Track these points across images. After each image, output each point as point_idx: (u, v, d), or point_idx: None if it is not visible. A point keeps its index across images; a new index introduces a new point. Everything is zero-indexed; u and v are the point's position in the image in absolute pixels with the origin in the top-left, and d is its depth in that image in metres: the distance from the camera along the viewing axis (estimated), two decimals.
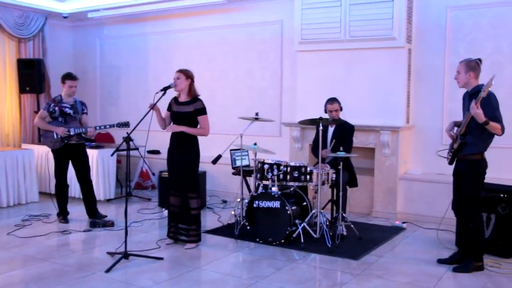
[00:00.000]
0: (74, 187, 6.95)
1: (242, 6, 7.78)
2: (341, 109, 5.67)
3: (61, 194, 6.04)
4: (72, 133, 5.75)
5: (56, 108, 5.82)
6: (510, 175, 5.77)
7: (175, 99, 5.03)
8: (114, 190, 7.39)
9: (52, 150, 5.92)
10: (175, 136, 5.00)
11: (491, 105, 4.09)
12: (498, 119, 4.10)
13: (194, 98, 4.94)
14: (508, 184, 4.89)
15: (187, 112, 4.91)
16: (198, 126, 4.97)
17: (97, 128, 5.83)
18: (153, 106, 4.82)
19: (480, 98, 4.01)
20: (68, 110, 5.84)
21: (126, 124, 5.62)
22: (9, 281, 4.08)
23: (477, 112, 4.00)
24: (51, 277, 4.17)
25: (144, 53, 8.93)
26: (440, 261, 4.56)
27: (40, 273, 4.25)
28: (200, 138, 5.04)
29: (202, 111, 4.92)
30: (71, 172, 6.07)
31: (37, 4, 8.58)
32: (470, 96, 4.25)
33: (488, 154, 4.36)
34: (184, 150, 4.96)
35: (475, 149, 4.27)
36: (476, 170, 4.30)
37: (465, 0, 6.16)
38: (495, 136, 4.22)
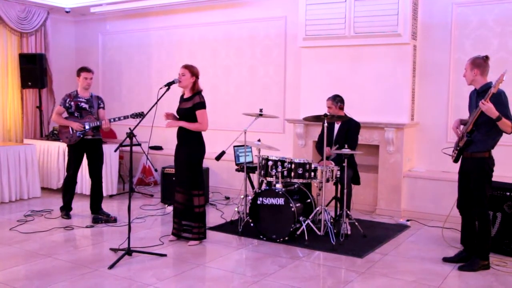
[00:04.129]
0: (80, 183, 6.92)
1: (245, 2, 7.74)
2: (341, 108, 5.59)
3: (68, 189, 6.02)
4: (87, 127, 5.72)
5: (72, 103, 5.80)
6: None
7: (182, 96, 5.01)
8: (117, 186, 7.36)
9: (68, 145, 5.90)
10: (179, 133, 4.96)
11: (501, 103, 4.05)
12: (508, 116, 4.06)
13: (194, 93, 4.91)
14: None
15: (187, 108, 4.88)
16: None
17: (112, 120, 5.78)
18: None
19: (490, 94, 3.98)
20: (83, 105, 5.81)
21: (140, 115, 5.55)
22: (12, 276, 4.06)
23: (489, 106, 3.96)
24: (54, 273, 4.14)
25: (147, 48, 8.89)
26: (446, 260, 4.53)
27: (43, 269, 4.23)
28: (204, 134, 5.00)
29: (200, 105, 4.87)
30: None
31: None
32: (478, 94, 4.21)
33: (495, 152, 4.32)
34: (187, 146, 4.92)
35: (482, 146, 4.23)
36: (483, 168, 4.26)
37: None
38: (503, 134, 4.18)
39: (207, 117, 4.91)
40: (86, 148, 5.88)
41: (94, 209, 6.03)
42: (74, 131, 5.74)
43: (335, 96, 5.63)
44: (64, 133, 5.84)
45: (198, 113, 4.85)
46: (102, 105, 5.97)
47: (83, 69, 5.88)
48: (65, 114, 5.89)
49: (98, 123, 5.76)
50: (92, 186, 6.04)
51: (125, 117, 5.72)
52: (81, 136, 5.75)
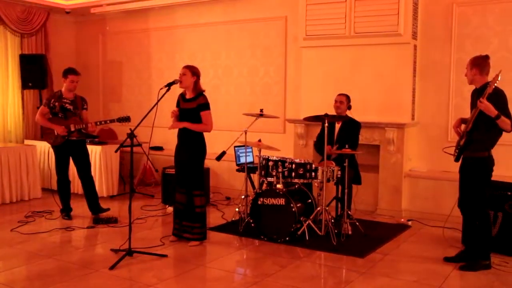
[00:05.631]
0: (77, 184, 6.92)
1: (246, 2, 7.73)
2: (349, 108, 5.67)
3: (63, 191, 6.03)
4: (72, 129, 5.72)
5: (56, 104, 5.78)
6: None
7: (182, 96, 5.00)
8: (117, 187, 7.36)
9: (53, 147, 5.90)
10: (180, 133, 4.97)
11: (499, 101, 4.06)
12: (507, 115, 4.06)
13: (197, 94, 4.91)
14: None
15: (191, 108, 4.88)
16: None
17: (98, 123, 5.79)
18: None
19: (486, 93, 4.00)
20: (68, 106, 5.80)
21: (126, 119, 5.57)
22: (13, 277, 4.06)
23: (487, 105, 3.98)
24: (55, 274, 4.14)
25: (147, 48, 8.89)
26: (447, 259, 4.52)
27: (44, 270, 4.23)
28: (205, 135, 5.00)
29: (204, 106, 4.88)
30: (72, 168, 6.06)
31: None
32: (478, 93, 4.21)
33: (496, 152, 4.32)
34: (188, 147, 4.93)
35: (482, 146, 4.23)
36: (482, 168, 4.27)
37: None
38: (504, 133, 4.18)
39: (212, 118, 4.91)
40: (70, 149, 5.87)
41: (93, 209, 6.03)
42: (59, 134, 5.74)
43: (347, 95, 5.67)
44: (48, 134, 5.84)
45: (203, 114, 4.86)
46: (85, 107, 5.95)
47: (71, 72, 5.81)
48: (49, 115, 5.85)
49: (83, 126, 5.76)
50: (83, 187, 6.05)
51: (111, 121, 5.73)
52: (66, 137, 5.74)
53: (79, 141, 5.90)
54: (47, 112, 5.84)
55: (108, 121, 5.79)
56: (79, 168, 6.00)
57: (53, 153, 5.98)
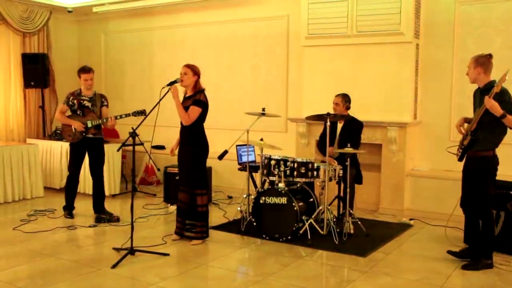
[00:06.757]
0: (80, 182, 6.92)
1: (248, 1, 7.73)
2: (348, 108, 5.63)
3: (71, 188, 6.03)
4: (89, 125, 5.73)
5: (75, 101, 5.81)
6: None
7: (184, 95, 5.02)
8: (119, 186, 7.37)
9: (70, 144, 5.91)
10: (182, 133, 4.99)
11: (505, 100, 4.05)
12: None
13: (196, 92, 4.92)
14: None
15: (188, 106, 4.89)
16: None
17: (118, 117, 5.75)
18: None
19: (493, 92, 3.98)
20: (86, 103, 5.83)
21: (142, 112, 5.56)
22: (15, 276, 4.07)
23: (493, 104, 3.96)
24: (56, 272, 4.15)
25: (150, 47, 8.89)
26: (450, 252, 4.53)
27: (46, 268, 4.23)
28: (206, 133, 5.01)
29: (197, 102, 4.86)
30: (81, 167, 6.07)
31: None
32: (482, 92, 4.20)
33: (500, 151, 4.31)
34: (191, 146, 4.93)
35: (486, 145, 4.22)
36: (486, 167, 4.26)
37: None
38: (508, 132, 4.17)
39: (197, 116, 4.85)
40: (87, 147, 5.89)
41: (97, 208, 6.03)
42: (76, 129, 5.75)
43: (345, 94, 5.66)
44: (66, 132, 5.86)
45: (191, 107, 4.84)
46: (105, 103, 5.98)
47: (82, 71, 5.87)
48: (68, 113, 5.90)
49: (100, 121, 5.77)
50: (93, 185, 6.05)
51: (127, 115, 5.74)
52: (83, 134, 5.76)
53: (97, 139, 5.91)
54: (67, 110, 5.88)
55: (124, 116, 5.78)
56: (92, 166, 5.99)
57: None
